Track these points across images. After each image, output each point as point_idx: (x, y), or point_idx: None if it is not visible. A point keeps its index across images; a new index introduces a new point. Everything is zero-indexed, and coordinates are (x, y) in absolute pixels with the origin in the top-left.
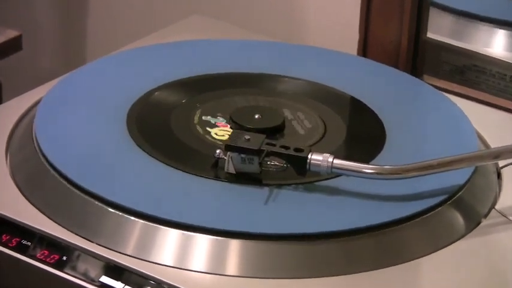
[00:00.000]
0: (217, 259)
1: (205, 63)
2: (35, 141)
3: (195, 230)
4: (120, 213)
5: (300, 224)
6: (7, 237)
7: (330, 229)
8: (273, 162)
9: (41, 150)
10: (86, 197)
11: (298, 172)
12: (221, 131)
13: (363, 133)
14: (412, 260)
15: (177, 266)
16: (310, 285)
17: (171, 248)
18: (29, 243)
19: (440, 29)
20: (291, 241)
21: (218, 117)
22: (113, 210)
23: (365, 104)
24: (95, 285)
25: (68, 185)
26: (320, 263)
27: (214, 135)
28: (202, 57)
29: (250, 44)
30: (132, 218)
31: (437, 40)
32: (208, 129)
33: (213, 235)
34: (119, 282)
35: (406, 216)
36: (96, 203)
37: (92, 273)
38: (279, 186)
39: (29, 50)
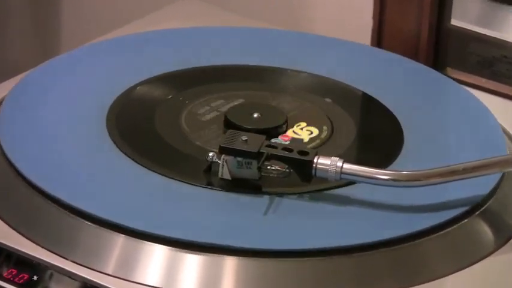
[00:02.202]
0: (210, 279)
1: (196, 54)
2: None
3: (185, 245)
4: (99, 227)
5: (305, 238)
6: None
7: (340, 244)
8: (274, 166)
9: (5, 155)
10: (60, 208)
11: (302, 178)
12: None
13: (377, 134)
14: (434, 279)
15: (164, 287)
16: None
17: (157, 266)
18: None
19: (466, 15)
20: (295, 258)
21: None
22: (90, 224)
23: (379, 102)
24: None
25: (39, 195)
26: (328, 282)
27: (196, 125)
28: (192, 47)
29: (248, 32)
30: (113, 232)
31: (462, 28)
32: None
33: (205, 251)
34: None
35: (426, 229)
36: (72, 215)
37: None
38: (281, 194)
39: None
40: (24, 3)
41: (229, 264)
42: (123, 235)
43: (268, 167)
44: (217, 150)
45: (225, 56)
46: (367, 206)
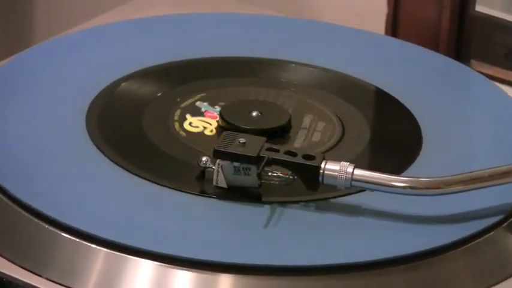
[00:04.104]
0: None
1: (189, 45)
2: None
3: (175, 261)
4: (78, 240)
5: (311, 253)
6: None
7: (350, 260)
8: (276, 173)
9: None
10: (34, 218)
11: (308, 186)
12: (199, 122)
13: (392, 136)
14: None
15: None
16: None
17: (144, 285)
18: None
19: (492, 1)
20: (300, 276)
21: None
22: (68, 236)
23: (395, 98)
24: None
25: (10, 204)
26: None
27: (187, 126)
28: (185, 36)
29: (246, 20)
30: (93, 246)
31: (488, 15)
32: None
33: (198, 268)
34: None
35: (448, 244)
36: (47, 226)
37: None
38: (284, 204)
39: None
40: None
41: (225, 282)
42: (105, 249)
43: (269, 173)
44: (211, 154)
45: (220, 47)
46: (381, 217)
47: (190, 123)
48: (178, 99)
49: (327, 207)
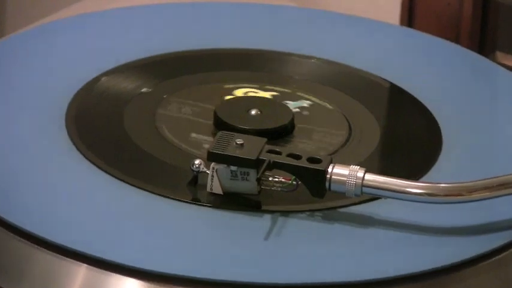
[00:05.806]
0: None
1: (179, 36)
2: None
3: (164, 279)
4: (55, 255)
5: (317, 269)
6: None
7: (362, 278)
8: (278, 178)
9: None
10: (7, 231)
11: (313, 192)
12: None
13: (408, 137)
14: None
15: None
16: None
17: None
18: None
19: None
20: None
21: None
22: (44, 251)
23: (411, 95)
24: None
25: None
26: None
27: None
28: (174, 27)
29: (244, 9)
30: (73, 261)
31: None
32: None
33: (191, 287)
34: None
35: (471, 258)
36: (22, 240)
37: None
38: (286, 213)
39: None
40: None
41: None
42: (86, 265)
43: (270, 178)
44: (205, 157)
45: (215, 38)
46: (395, 229)
47: (181, 120)
48: (165, 96)
49: (334, 217)
